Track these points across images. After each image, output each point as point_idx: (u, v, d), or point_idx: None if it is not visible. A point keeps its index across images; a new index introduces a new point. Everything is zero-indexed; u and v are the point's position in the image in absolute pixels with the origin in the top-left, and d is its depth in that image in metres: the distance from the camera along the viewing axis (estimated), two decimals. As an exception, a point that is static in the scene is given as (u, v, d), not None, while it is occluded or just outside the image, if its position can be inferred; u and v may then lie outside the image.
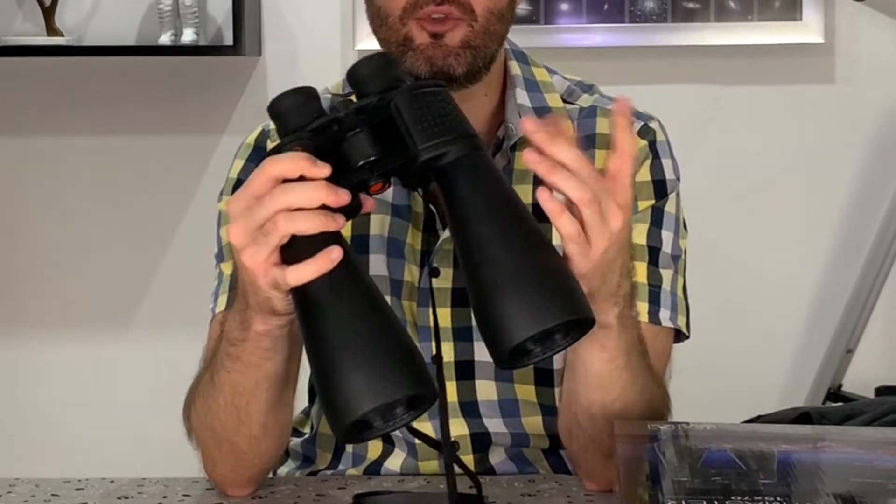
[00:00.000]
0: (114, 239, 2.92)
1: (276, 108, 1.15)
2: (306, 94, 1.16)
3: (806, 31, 2.79)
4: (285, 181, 1.09)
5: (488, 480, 1.35)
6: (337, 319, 1.07)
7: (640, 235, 1.44)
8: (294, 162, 1.09)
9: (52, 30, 2.76)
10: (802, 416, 1.76)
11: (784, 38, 2.79)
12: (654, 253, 1.45)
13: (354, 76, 1.16)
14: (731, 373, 2.79)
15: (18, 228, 2.94)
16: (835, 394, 2.74)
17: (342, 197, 1.09)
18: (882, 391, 2.66)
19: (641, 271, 1.43)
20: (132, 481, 1.36)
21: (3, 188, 2.93)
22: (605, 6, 2.81)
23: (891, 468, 1.18)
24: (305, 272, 1.08)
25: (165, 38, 2.72)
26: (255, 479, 1.37)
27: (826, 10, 2.79)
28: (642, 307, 1.41)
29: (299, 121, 1.13)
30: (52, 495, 1.32)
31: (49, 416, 2.97)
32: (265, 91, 2.85)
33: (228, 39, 2.75)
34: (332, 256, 1.08)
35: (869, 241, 2.80)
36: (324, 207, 1.08)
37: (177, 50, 2.73)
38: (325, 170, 1.09)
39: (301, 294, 1.09)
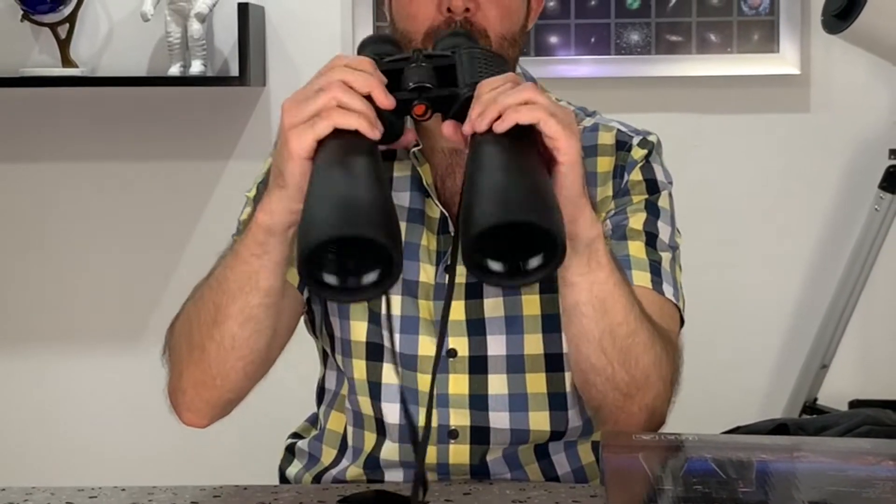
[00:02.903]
0: (125, 259, 2.95)
1: (364, 42, 1.38)
2: (388, 40, 1.41)
3: (783, 62, 2.83)
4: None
5: (480, 488, 1.38)
6: (332, 173, 1.12)
7: (637, 223, 1.49)
8: (360, 61, 1.22)
9: (67, 61, 2.79)
10: (780, 428, 1.81)
11: (762, 70, 2.83)
12: (651, 237, 1.49)
13: (436, 40, 1.40)
14: (711, 386, 2.81)
15: (33, 249, 2.96)
16: (810, 407, 2.76)
17: (388, 100, 1.20)
18: (855, 404, 2.70)
19: (639, 249, 1.48)
20: (143, 489, 1.37)
21: (19, 211, 2.96)
22: (593, 39, 2.85)
23: (863, 477, 1.20)
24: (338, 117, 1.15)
25: (175, 70, 2.76)
26: (214, 408, 1.41)
27: (802, 42, 2.83)
28: (644, 276, 1.45)
29: (378, 53, 1.30)
30: (67, 503, 1.34)
31: (64, 426, 3.00)
32: (269, 119, 2.88)
33: (234, 70, 2.79)
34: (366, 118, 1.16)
35: (843, 262, 2.81)
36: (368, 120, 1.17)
37: (185, 80, 2.77)
38: (383, 78, 1.21)
39: (318, 158, 1.16)
